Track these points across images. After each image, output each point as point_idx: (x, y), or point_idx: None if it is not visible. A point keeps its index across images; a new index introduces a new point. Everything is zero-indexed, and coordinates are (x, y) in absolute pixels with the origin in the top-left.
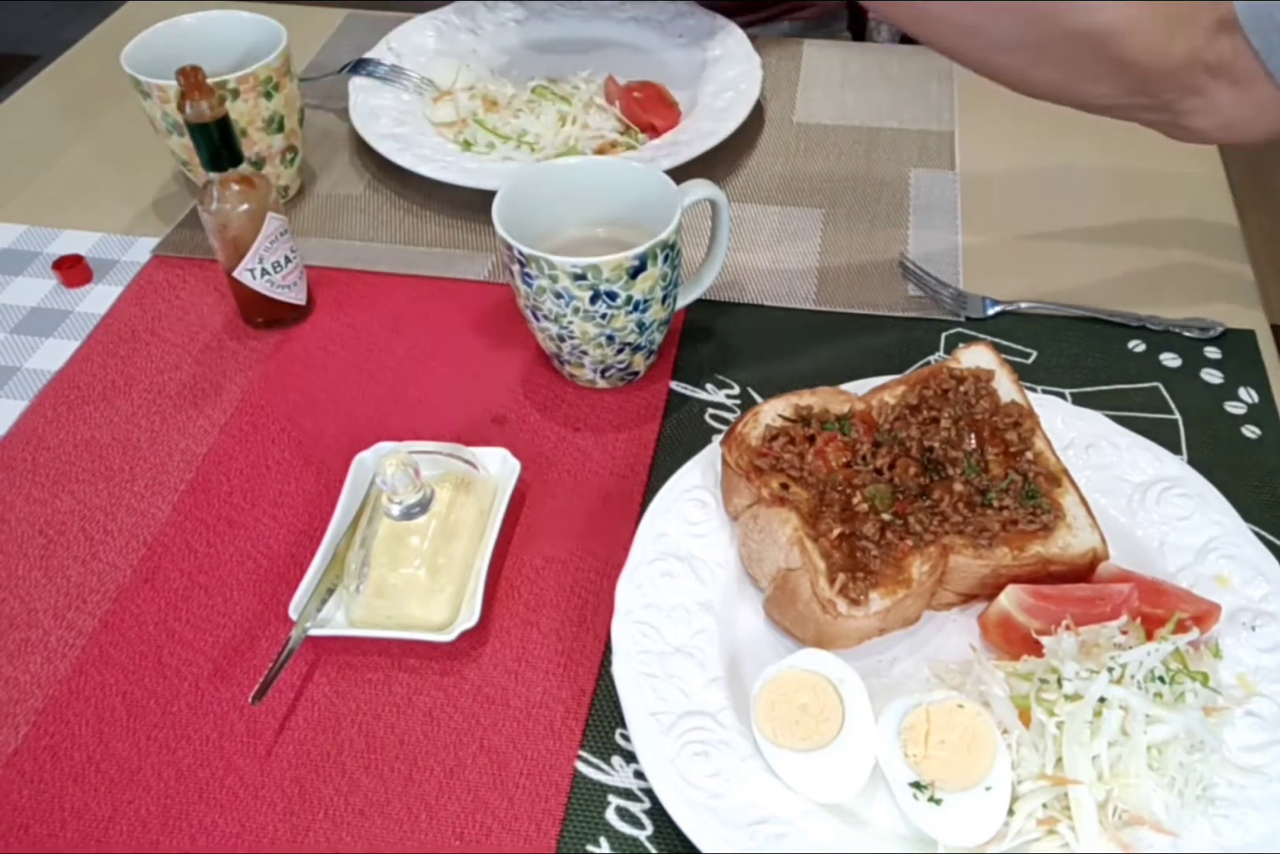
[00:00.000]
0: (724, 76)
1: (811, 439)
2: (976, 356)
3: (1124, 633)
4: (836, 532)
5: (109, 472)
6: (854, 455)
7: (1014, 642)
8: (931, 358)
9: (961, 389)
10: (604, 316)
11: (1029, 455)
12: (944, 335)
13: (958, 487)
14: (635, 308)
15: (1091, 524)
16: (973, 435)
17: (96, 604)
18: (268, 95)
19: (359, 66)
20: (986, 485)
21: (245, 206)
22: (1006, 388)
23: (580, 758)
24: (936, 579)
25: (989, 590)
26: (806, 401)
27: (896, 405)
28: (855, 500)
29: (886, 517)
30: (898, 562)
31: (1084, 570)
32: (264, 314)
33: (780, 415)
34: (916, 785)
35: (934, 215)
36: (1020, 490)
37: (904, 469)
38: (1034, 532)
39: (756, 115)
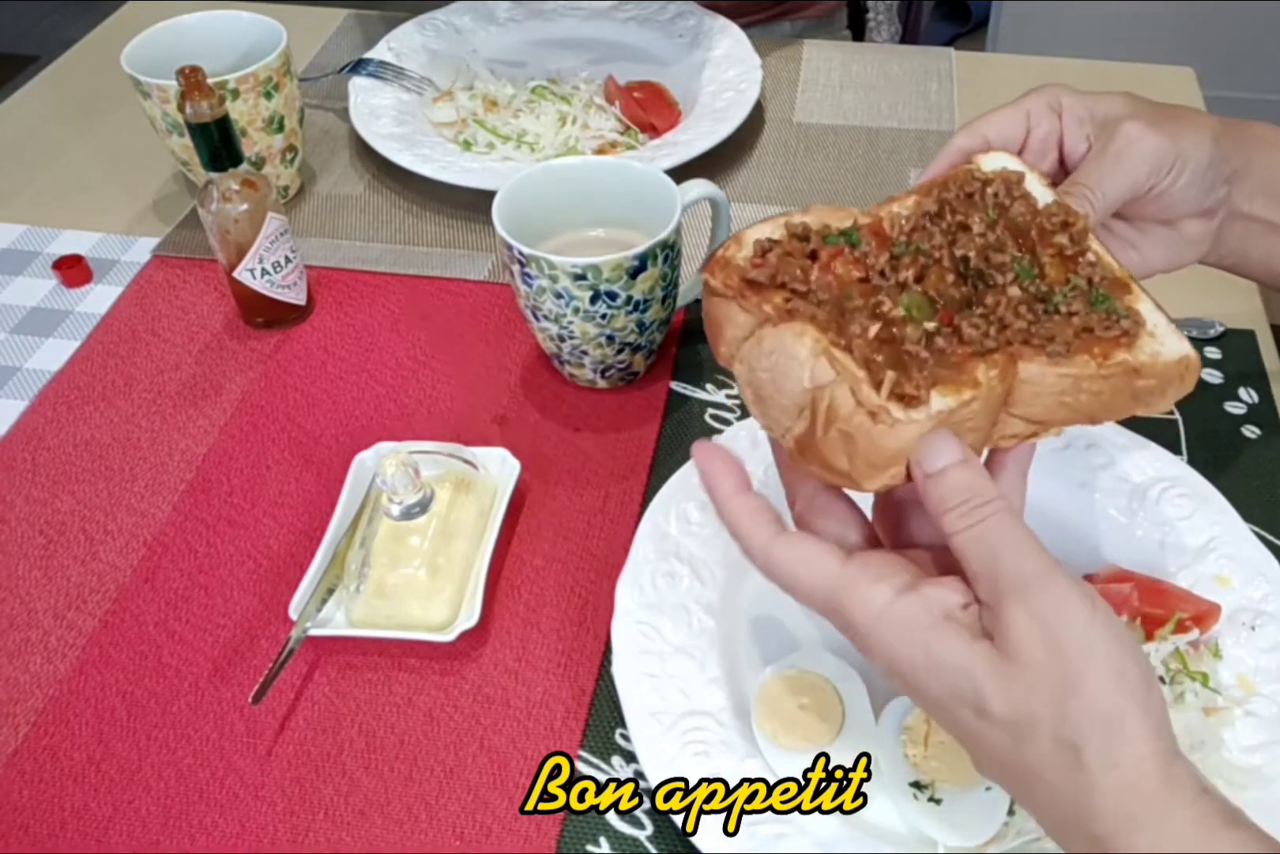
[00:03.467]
0: (724, 76)
1: (814, 255)
2: (998, 160)
3: None
4: (874, 330)
5: (109, 472)
6: (869, 271)
7: None
8: None
9: (990, 190)
10: (604, 316)
11: (1089, 258)
12: None
13: (1013, 291)
14: (635, 308)
15: (1176, 330)
16: (1015, 240)
17: (96, 604)
18: (268, 95)
19: (359, 66)
20: (1047, 291)
21: (245, 206)
22: (1040, 192)
23: (580, 758)
24: (1006, 390)
25: (1065, 415)
26: (799, 220)
27: (911, 215)
28: (885, 308)
29: (931, 325)
30: (957, 366)
31: (1174, 382)
32: (264, 314)
33: (768, 238)
34: (916, 785)
35: None
36: (1089, 295)
37: (938, 278)
38: (1115, 337)
39: (756, 115)
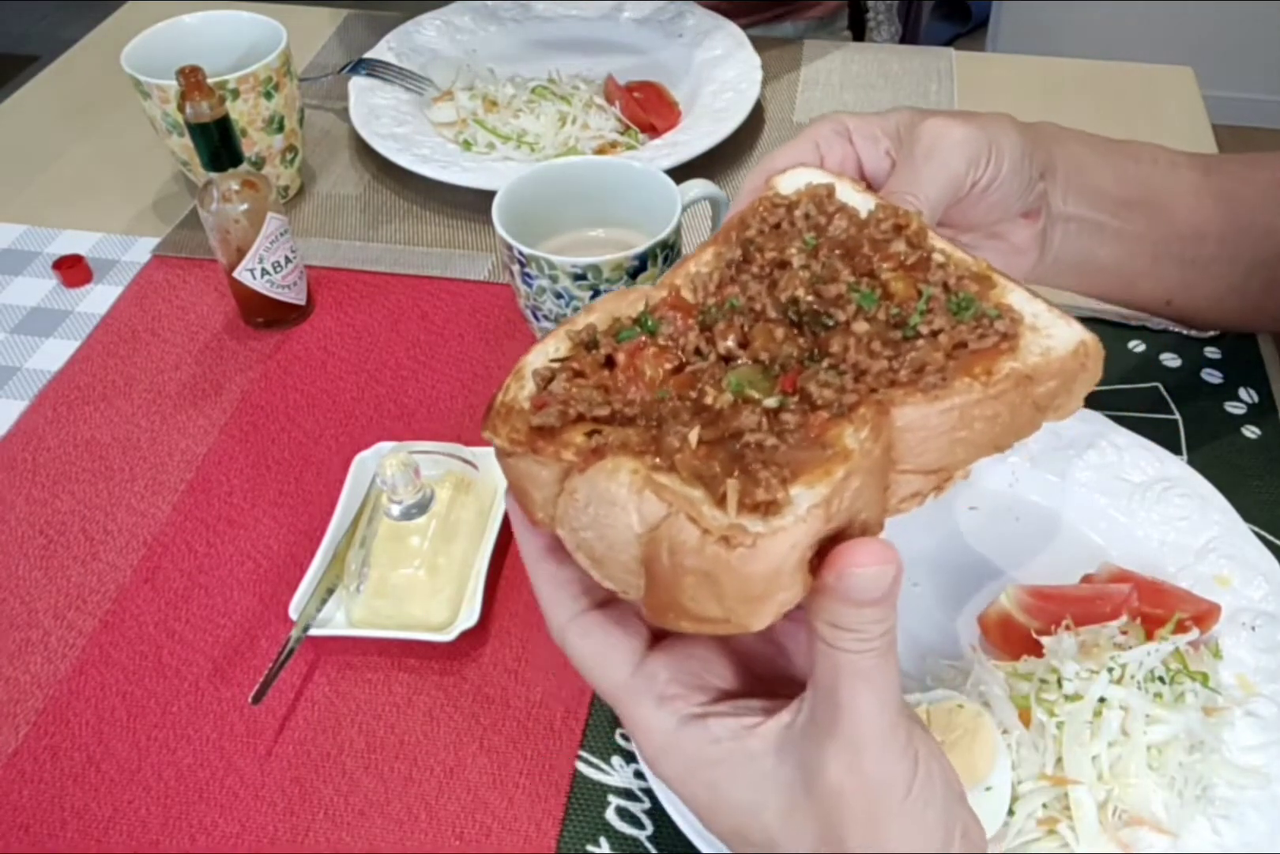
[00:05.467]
0: (724, 76)
1: (610, 362)
2: (799, 178)
3: (1124, 633)
4: (695, 434)
5: (109, 471)
6: (682, 354)
7: (1014, 642)
8: None
9: (799, 213)
10: None
11: (937, 259)
12: None
13: (859, 327)
14: None
15: (1061, 314)
16: (847, 262)
17: (96, 604)
18: (268, 95)
19: (359, 66)
20: (899, 313)
21: (245, 206)
22: (858, 200)
23: (580, 758)
24: (884, 450)
25: (964, 453)
26: (584, 324)
27: (713, 270)
28: (710, 399)
29: (771, 402)
30: (816, 440)
31: (1078, 376)
32: (264, 314)
33: (553, 359)
34: None
35: None
36: (949, 304)
37: (765, 338)
38: (994, 346)
39: (756, 115)
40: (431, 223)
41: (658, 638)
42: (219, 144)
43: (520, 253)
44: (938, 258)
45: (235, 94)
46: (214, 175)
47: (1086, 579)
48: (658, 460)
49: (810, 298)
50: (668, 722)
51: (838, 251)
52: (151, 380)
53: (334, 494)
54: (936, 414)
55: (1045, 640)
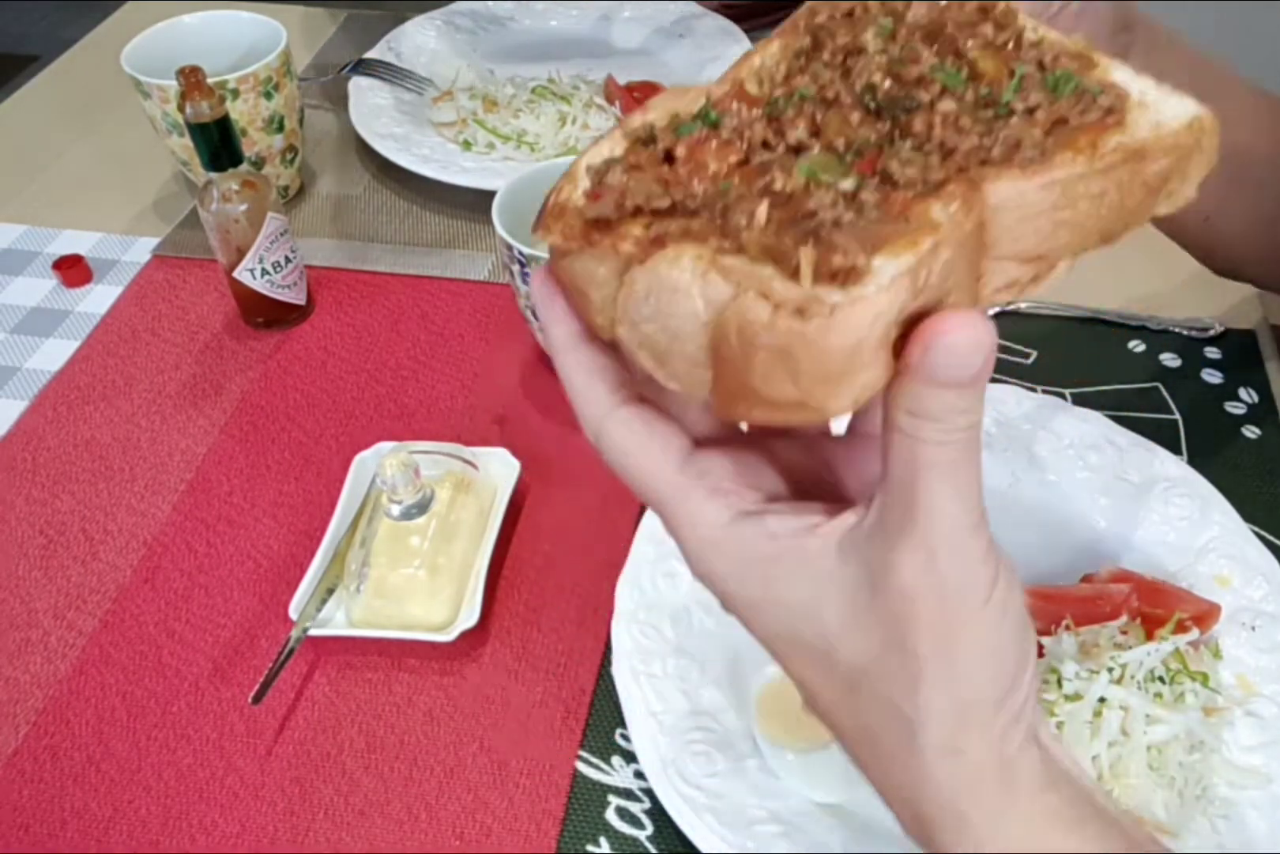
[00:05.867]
0: None
1: (669, 157)
2: None
3: (1124, 633)
4: (763, 209)
5: (109, 471)
6: (747, 147)
7: None
8: None
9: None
10: None
11: (1029, 38)
12: None
13: (945, 105)
14: None
15: (1172, 90)
16: (928, 45)
17: (96, 604)
18: (268, 95)
19: (359, 66)
20: (989, 93)
21: (245, 206)
22: None
23: (580, 758)
24: (976, 225)
25: (1067, 237)
26: (640, 122)
27: (780, 59)
28: (779, 185)
29: (848, 183)
30: (899, 217)
31: (1193, 154)
32: (264, 314)
33: (608, 159)
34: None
35: None
36: (1045, 82)
37: (839, 123)
38: (1098, 121)
39: None
40: (431, 223)
41: (699, 445)
42: (219, 144)
43: (520, 253)
44: (1030, 36)
45: (235, 94)
46: (214, 175)
47: (1086, 579)
48: (724, 243)
49: (889, 83)
50: (720, 516)
51: (917, 34)
52: (151, 380)
53: (334, 494)
54: (1035, 190)
55: (1045, 640)
